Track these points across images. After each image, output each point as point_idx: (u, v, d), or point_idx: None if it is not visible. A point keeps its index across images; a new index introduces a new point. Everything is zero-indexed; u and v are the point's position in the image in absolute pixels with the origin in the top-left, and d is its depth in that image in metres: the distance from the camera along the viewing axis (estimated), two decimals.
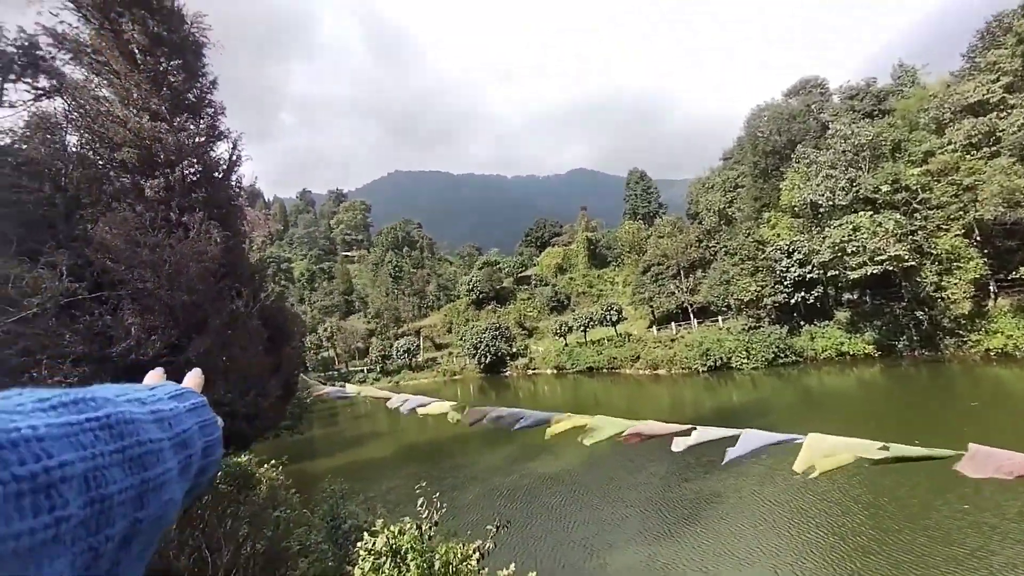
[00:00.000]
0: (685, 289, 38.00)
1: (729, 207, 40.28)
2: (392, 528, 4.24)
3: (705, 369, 31.49)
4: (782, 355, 29.24)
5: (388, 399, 2.30)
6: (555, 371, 44.08)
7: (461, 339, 52.49)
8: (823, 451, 1.51)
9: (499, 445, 18.34)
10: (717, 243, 37.48)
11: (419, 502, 4.55)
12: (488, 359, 46.51)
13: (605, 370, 39.73)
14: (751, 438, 1.69)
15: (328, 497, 6.08)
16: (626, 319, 44.24)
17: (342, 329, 60.20)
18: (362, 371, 54.05)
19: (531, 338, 54.01)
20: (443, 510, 4.55)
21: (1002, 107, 25.49)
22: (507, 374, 47.35)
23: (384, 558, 4.07)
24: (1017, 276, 23.08)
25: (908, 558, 7.65)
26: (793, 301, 29.83)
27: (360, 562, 4.11)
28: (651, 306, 41.60)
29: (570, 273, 64.23)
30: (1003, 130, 24.79)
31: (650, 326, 41.58)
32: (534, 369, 46.55)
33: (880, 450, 1.42)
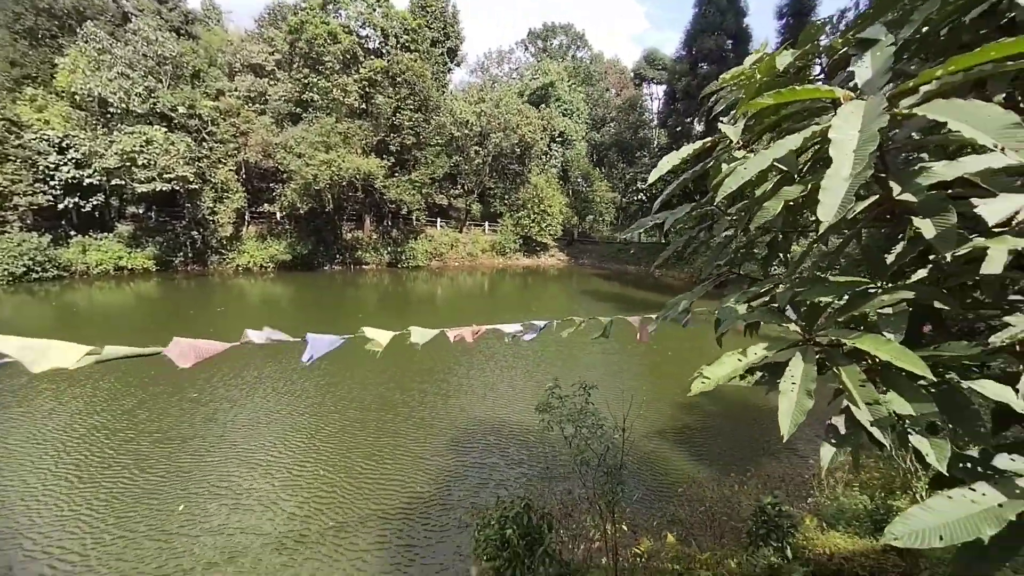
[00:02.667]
0: None
1: None
2: None
3: None
4: (39, 268, 25.58)
5: None
6: None
7: None
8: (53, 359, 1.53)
9: None
10: None
11: None
12: None
13: None
14: None
15: None
16: None
17: None
18: None
19: None
20: None
21: (272, 77, 33.88)
22: None
23: None
24: (262, 210, 32.01)
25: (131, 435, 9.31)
26: (63, 206, 26.62)
27: None
28: None
29: None
30: (270, 95, 33.10)
31: None
32: None
33: (90, 354, 1.60)
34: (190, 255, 30.14)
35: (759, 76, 1.51)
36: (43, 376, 11.45)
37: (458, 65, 43.39)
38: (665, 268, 35.59)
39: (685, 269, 34.00)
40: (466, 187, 41.24)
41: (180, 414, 9.60)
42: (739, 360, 1.55)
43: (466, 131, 37.26)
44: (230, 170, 30.64)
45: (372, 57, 34.20)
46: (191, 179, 28.23)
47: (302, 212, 31.31)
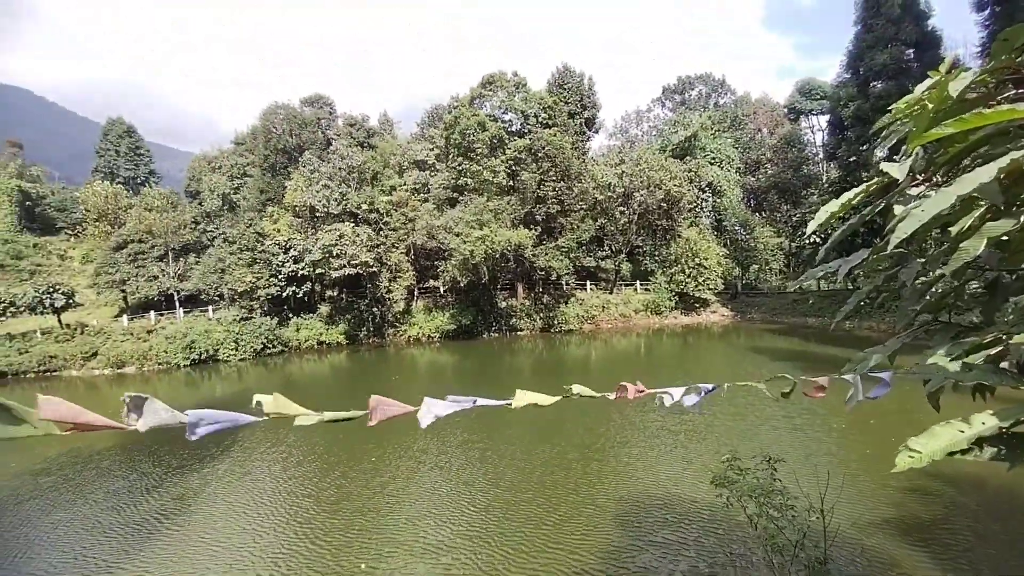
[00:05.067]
0: (173, 274, 35.02)
1: (235, 193, 40.72)
2: None
3: (188, 363, 30.16)
4: (270, 345, 32.33)
5: None
6: None
7: None
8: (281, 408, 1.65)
9: None
10: (217, 228, 36.96)
11: None
12: None
13: (32, 375, 30.31)
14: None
15: None
16: (81, 305, 35.44)
17: None
18: None
19: None
20: None
21: (433, 168, 39.49)
22: None
23: None
24: (428, 285, 36.18)
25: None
26: (285, 294, 33.74)
27: None
28: (123, 291, 35.45)
29: None
30: (432, 184, 38.43)
31: (120, 315, 35.24)
32: None
33: (307, 417, 1.70)
34: (371, 329, 35.13)
35: (931, 105, 1.36)
36: (260, 441, 14.16)
37: (596, 132, 45.29)
38: (857, 318, 30.37)
39: (885, 318, 28.53)
40: (613, 248, 41.38)
41: (354, 486, 10.38)
42: (960, 432, 1.29)
43: (609, 193, 38.01)
44: (401, 253, 35.68)
45: (515, 138, 37.74)
46: (371, 263, 33.59)
47: (462, 285, 34.55)
